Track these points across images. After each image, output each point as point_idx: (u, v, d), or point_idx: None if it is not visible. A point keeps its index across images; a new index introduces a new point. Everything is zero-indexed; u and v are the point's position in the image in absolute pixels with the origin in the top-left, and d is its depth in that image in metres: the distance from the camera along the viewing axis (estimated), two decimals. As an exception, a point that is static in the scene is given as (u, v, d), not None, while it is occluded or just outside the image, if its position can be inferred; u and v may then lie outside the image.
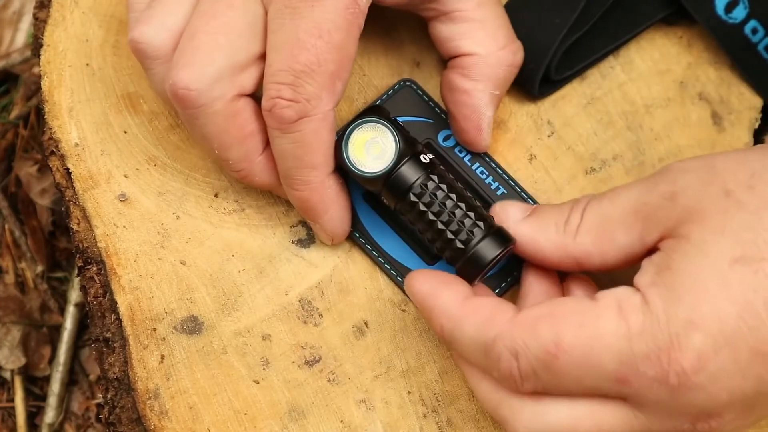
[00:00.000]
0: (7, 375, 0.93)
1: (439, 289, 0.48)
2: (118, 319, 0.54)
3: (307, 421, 0.53)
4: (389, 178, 0.52)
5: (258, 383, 0.54)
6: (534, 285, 0.51)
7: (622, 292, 0.45)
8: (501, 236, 0.51)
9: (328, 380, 0.54)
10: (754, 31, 0.60)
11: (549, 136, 0.60)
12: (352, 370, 0.54)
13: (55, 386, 0.91)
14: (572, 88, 0.61)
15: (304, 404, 0.53)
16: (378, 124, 0.52)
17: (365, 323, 0.55)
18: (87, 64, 0.60)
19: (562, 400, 0.45)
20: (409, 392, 0.54)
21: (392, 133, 0.52)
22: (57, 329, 0.93)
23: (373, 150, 0.52)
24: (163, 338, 0.54)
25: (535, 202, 0.57)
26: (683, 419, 0.44)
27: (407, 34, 0.61)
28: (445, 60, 0.57)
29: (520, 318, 0.45)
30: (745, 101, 0.62)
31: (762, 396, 0.44)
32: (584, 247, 0.48)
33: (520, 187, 0.57)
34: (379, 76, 0.60)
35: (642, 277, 0.45)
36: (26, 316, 0.93)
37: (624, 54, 0.62)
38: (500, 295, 0.55)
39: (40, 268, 0.95)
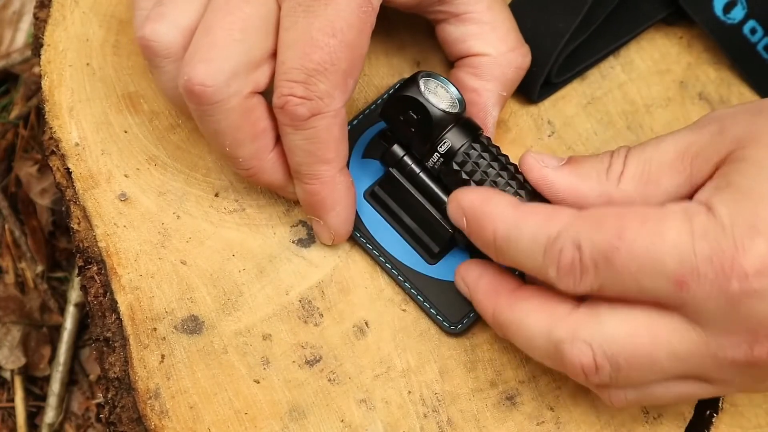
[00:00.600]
0: (7, 375, 0.93)
1: (493, 196, 0.48)
2: (119, 318, 0.54)
3: (308, 421, 0.53)
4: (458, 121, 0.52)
5: (258, 383, 0.54)
6: None
7: (686, 202, 0.45)
8: None
9: (329, 380, 0.54)
10: (753, 31, 0.60)
11: (549, 136, 0.60)
12: (352, 370, 0.54)
13: (55, 386, 0.91)
14: (572, 88, 0.61)
15: (304, 404, 0.53)
16: (444, 83, 0.53)
17: (366, 323, 0.55)
18: (87, 64, 0.60)
19: (619, 309, 0.45)
20: (410, 392, 0.54)
21: (456, 91, 0.53)
22: (57, 329, 0.93)
23: (442, 95, 0.53)
24: (164, 338, 0.54)
25: None
26: (741, 337, 0.43)
27: (408, 34, 0.61)
28: (451, 60, 0.57)
29: (586, 213, 0.45)
30: (745, 101, 0.62)
31: None
32: (628, 194, 0.48)
33: None
34: (380, 75, 0.60)
35: (702, 194, 0.45)
36: (26, 316, 0.93)
37: (624, 54, 0.62)
38: None
39: (40, 268, 0.95)
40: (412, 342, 0.55)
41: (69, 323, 0.92)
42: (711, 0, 0.59)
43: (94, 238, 0.56)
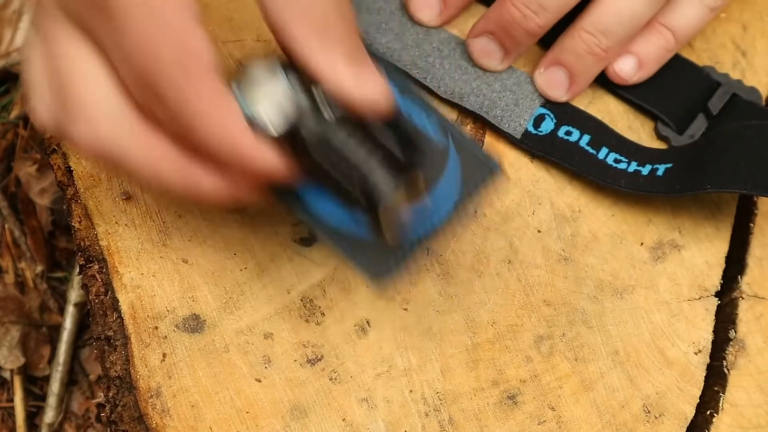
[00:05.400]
0: (7, 375, 0.92)
1: None
2: (120, 317, 0.54)
3: (309, 420, 0.53)
4: (293, 137, 0.44)
5: (260, 382, 0.54)
6: None
7: None
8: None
9: (330, 379, 0.54)
10: (568, 133, 0.58)
11: (550, 136, 0.60)
12: (353, 369, 0.54)
13: (55, 386, 0.91)
14: (574, 88, 0.61)
15: (306, 403, 0.53)
16: (269, 71, 0.45)
17: (367, 321, 0.55)
18: (89, 63, 0.59)
19: None
20: (411, 391, 0.54)
21: (285, 82, 0.45)
22: (57, 329, 0.93)
23: (271, 102, 0.45)
24: (165, 336, 0.54)
25: (490, 151, 0.56)
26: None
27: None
28: None
29: None
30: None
31: None
32: None
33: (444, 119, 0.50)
34: (381, 75, 0.60)
35: None
36: (26, 316, 0.93)
37: (625, 53, 0.62)
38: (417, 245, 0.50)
39: (39, 268, 0.95)
40: (413, 341, 0.55)
41: (69, 323, 0.91)
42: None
43: (95, 237, 0.56)
